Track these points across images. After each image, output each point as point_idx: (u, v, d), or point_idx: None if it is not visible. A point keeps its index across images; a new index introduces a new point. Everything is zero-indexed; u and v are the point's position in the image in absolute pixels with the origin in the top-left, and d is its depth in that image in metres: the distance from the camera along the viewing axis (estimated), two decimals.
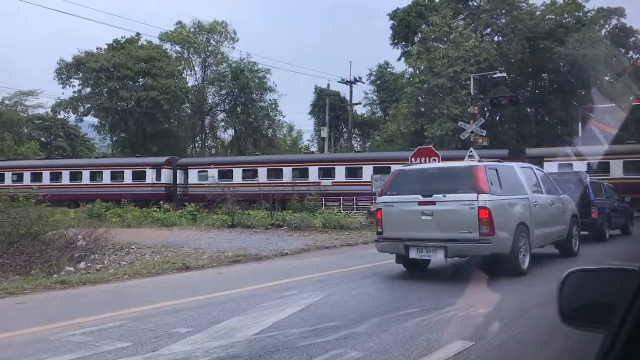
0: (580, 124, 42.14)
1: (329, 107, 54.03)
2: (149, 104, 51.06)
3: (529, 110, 53.61)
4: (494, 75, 32.46)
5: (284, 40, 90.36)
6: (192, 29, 56.42)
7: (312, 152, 51.54)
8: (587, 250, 12.04)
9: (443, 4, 49.12)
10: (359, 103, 54.11)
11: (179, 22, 56.69)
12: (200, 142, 58.82)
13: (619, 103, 44.58)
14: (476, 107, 47.23)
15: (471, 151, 25.84)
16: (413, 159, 20.74)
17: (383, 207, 8.42)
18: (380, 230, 8.49)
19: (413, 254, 8.06)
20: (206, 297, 6.93)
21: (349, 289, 7.33)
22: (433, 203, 7.94)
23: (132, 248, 13.87)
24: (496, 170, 8.32)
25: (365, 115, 65.61)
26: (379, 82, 60.38)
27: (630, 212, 16.81)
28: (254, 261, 11.61)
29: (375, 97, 62.75)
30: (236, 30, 56.47)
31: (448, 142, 44.84)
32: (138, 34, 54.82)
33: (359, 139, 67.71)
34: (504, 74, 31.95)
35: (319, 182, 32.46)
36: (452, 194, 7.84)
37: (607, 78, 51.53)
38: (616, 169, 26.95)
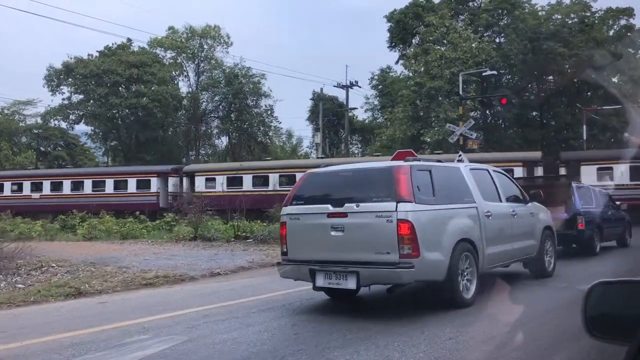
0: (585, 127, 40.05)
1: (323, 112, 52.39)
2: (140, 111, 49.76)
3: (533, 114, 51.72)
4: (484, 74, 30.47)
5: (280, 45, 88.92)
6: (184, 34, 55.11)
7: (308, 158, 49.90)
8: (568, 267, 10.20)
9: (442, 4, 47.42)
10: (356, 108, 52.31)
11: (171, 28, 55.45)
12: (194, 150, 57.39)
13: (627, 104, 42.54)
14: (472, 111, 45.53)
15: (460, 155, 23.99)
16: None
17: (287, 221, 6.63)
18: (285, 249, 6.71)
19: (320, 281, 6.27)
20: (18, 346, 5.18)
21: (224, 330, 5.57)
22: (344, 215, 6.16)
23: (53, 266, 12.21)
24: (429, 172, 6.52)
25: (367, 121, 63.93)
26: (380, 86, 58.64)
27: (627, 222, 14.85)
28: (173, 284, 9.95)
29: (377, 102, 61.03)
30: (230, 34, 54.70)
31: (447, 146, 42.98)
32: (129, 40, 53.55)
33: (359, 145, 66.03)
34: (494, 72, 30.00)
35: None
36: (366, 202, 6.06)
37: (614, 80, 49.54)
38: None
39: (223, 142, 56.39)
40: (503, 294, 7.26)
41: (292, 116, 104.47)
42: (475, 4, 49.67)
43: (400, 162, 6.56)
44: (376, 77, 58.40)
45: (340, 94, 53.80)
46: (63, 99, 51.42)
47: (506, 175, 8.68)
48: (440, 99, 41.23)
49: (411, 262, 5.75)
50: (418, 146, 43.38)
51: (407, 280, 5.83)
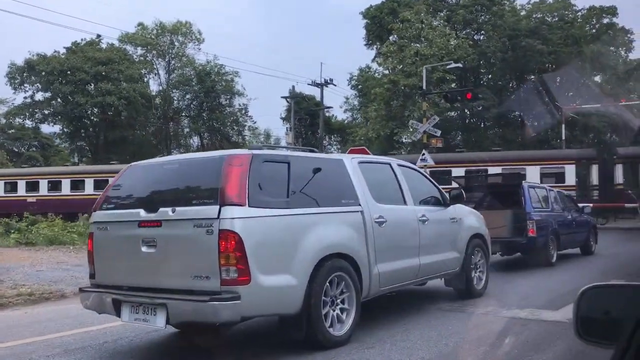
0: (563, 126, 38.69)
1: (299, 111, 50.87)
2: (108, 110, 47.91)
3: (516, 114, 50.47)
4: (448, 66, 28.89)
5: (255, 43, 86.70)
6: (154, 31, 53.19)
7: None
8: (509, 283, 8.58)
9: (419, 0, 45.97)
10: (331, 107, 50.62)
11: (140, 24, 53.50)
12: (166, 150, 55.48)
13: (605, 104, 41.37)
14: (449, 110, 44.08)
15: (424, 154, 22.44)
16: None
17: (95, 232, 4.93)
18: (92, 271, 4.99)
19: (126, 316, 4.55)
20: None
21: None
22: (158, 224, 4.46)
23: None
24: (287, 164, 4.83)
25: (346, 121, 62.38)
26: (360, 86, 57.07)
27: (592, 226, 13.27)
28: (36, 303, 8.29)
29: (356, 103, 59.49)
30: (202, 31, 52.82)
31: (422, 146, 41.52)
32: (99, 36, 51.55)
33: (338, 145, 64.42)
34: (459, 64, 28.48)
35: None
36: (184, 206, 4.36)
37: (597, 79, 48.38)
38: None
39: (195, 142, 54.51)
40: (396, 325, 5.59)
41: (269, 116, 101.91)
42: (454, 1, 48.27)
43: (240, 151, 4.86)
44: (355, 76, 56.88)
45: (318, 93, 52.17)
46: (25, 98, 49.37)
47: (421, 173, 7.03)
48: (416, 97, 39.66)
49: (236, 291, 4.06)
50: (392, 146, 42.01)
51: (229, 318, 4.12)
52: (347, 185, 5.38)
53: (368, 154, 17.82)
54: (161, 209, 4.45)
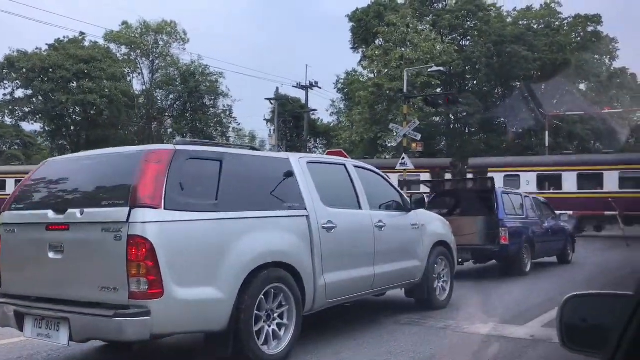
0: (547, 133, 38.57)
1: (284, 113, 50.48)
2: (90, 108, 47.09)
3: (500, 120, 50.42)
4: (430, 70, 28.54)
5: (242, 44, 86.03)
6: (138, 29, 52.50)
7: None
8: (479, 293, 8.14)
9: (405, 4, 45.73)
10: (316, 110, 50.22)
11: (125, 22, 52.77)
12: None
13: (590, 111, 41.41)
14: (434, 115, 43.86)
15: (404, 158, 22.07)
16: None
17: (3, 235, 4.40)
18: None
19: (29, 331, 4.04)
20: None
21: None
22: (65, 227, 3.95)
23: None
24: (219, 162, 4.34)
25: (332, 124, 62.01)
26: (346, 90, 56.72)
27: (569, 234, 12.90)
28: None
29: (342, 106, 59.15)
30: (187, 30, 52.21)
31: (402, 150, 41.23)
32: (82, 34, 50.72)
33: (324, 148, 64.00)
34: (441, 69, 28.16)
35: None
36: (94, 207, 3.86)
37: (581, 87, 48.46)
38: None
39: None
40: (345, 340, 5.13)
41: (255, 117, 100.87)
42: (440, 6, 48.10)
43: (162, 146, 4.37)
44: (342, 80, 56.54)
45: (304, 96, 51.73)
46: (5, 95, 48.42)
47: (381, 176, 6.55)
48: (400, 102, 39.34)
49: (145, 306, 3.57)
50: (376, 150, 41.66)
51: (136, 336, 3.62)
52: (291, 187, 4.90)
53: (345, 157, 17.42)
54: (69, 211, 3.95)
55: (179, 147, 4.16)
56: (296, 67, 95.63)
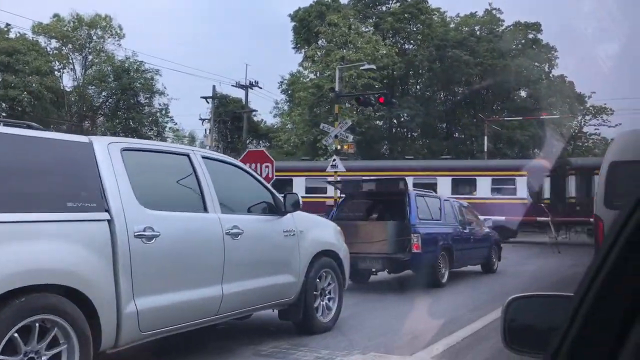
0: (486, 138, 38.53)
1: (224, 114, 48.93)
2: (11, 104, 44.10)
3: (443, 125, 50.49)
4: (361, 67, 27.73)
5: (184, 44, 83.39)
6: (70, 23, 49.83)
7: None
8: (375, 311, 7.04)
9: (348, 5, 45.03)
10: (256, 110, 48.87)
11: (56, 15, 50.01)
12: None
13: (527, 116, 41.77)
14: (376, 119, 43.32)
15: (334, 160, 21.01)
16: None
17: None
18: None
19: None
20: None
21: None
22: None
23: None
24: None
25: (276, 126, 60.73)
26: (290, 91, 55.55)
27: (494, 241, 12.07)
28: None
29: (286, 108, 57.94)
30: (122, 25, 49.90)
31: (348, 153, 40.40)
32: (8, 25, 47.67)
33: (263, 148, 62.54)
34: (373, 66, 27.40)
35: None
36: None
37: (522, 94, 48.97)
38: None
39: None
40: None
41: (195, 117, 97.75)
42: (384, 8, 47.64)
43: None
44: (286, 81, 55.34)
45: (245, 95, 50.15)
46: None
47: (245, 170, 5.32)
48: (342, 105, 38.44)
49: None
50: (316, 153, 40.62)
51: None
52: (89, 181, 3.62)
53: (268, 157, 16.23)
54: None
55: None
56: (240, 67, 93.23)
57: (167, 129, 52.27)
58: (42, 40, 49.26)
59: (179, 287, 4.07)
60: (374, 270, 9.49)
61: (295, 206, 5.28)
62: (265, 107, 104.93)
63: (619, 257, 0.68)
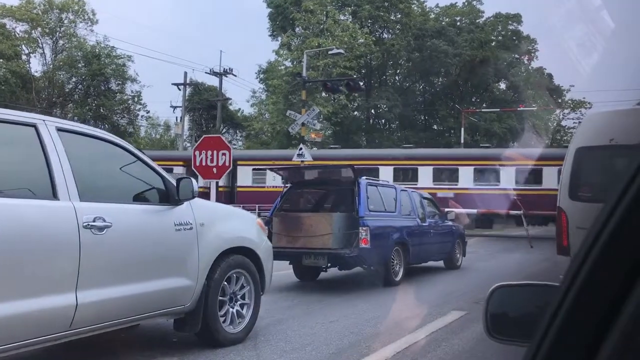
0: (463, 129, 37.85)
1: (199, 102, 47.79)
2: None
3: (422, 117, 49.82)
4: (330, 52, 26.75)
5: (160, 30, 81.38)
6: (40, 5, 48.09)
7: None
8: (306, 315, 6.15)
9: None
10: (230, 99, 47.74)
11: None
12: None
13: (504, 108, 41.23)
14: (352, 106, 42.40)
15: (301, 149, 20.08)
16: (197, 153, 14.92)
17: None
18: None
19: None
20: None
21: None
22: None
23: None
24: None
25: (255, 115, 59.57)
26: (270, 82, 54.33)
27: (457, 235, 11.25)
28: None
29: (264, 97, 56.75)
30: (96, 10, 48.30)
31: (322, 142, 39.50)
32: None
33: (243, 140, 61.46)
34: (341, 51, 26.42)
35: None
36: None
37: (502, 86, 48.43)
38: None
39: None
40: None
41: (168, 105, 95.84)
42: None
43: None
44: (264, 69, 54.12)
45: (226, 85, 48.84)
46: None
47: (125, 148, 4.27)
48: (316, 94, 37.51)
49: None
50: (291, 142, 39.59)
51: None
52: None
53: (224, 144, 15.22)
54: None
55: None
56: (217, 56, 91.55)
57: (139, 116, 50.93)
58: (8, 23, 47.51)
59: (8, 296, 3.11)
60: (323, 267, 8.60)
61: (188, 193, 4.32)
62: (244, 96, 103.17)
63: (606, 243, 0.68)
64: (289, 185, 8.89)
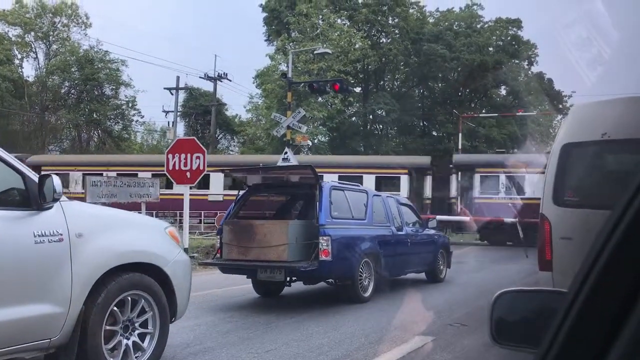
0: (460, 135, 36.90)
1: (194, 107, 47.09)
2: None
3: (421, 123, 48.89)
4: (316, 52, 25.83)
5: (156, 36, 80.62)
6: (33, 9, 47.52)
7: None
8: (230, 347, 5.19)
9: None
10: (225, 104, 46.95)
11: (19, 1, 47.60)
12: (41, 143, 49.53)
13: (503, 113, 40.33)
14: (349, 109, 41.51)
15: (286, 153, 19.17)
16: (170, 156, 14.12)
17: None
18: None
19: None
20: None
21: None
22: None
23: None
24: None
25: (252, 121, 58.75)
26: (264, 86, 53.53)
27: (441, 244, 10.25)
28: None
29: (260, 102, 55.93)
30: (89, 14, 47.71)
31: (317, 148, 38.61)
32: None
33: (239, 146, 60.65)
34: (328, 50, 25.50)
35: None
36: None
37: (502, 91, 47.52)
38: None
39: (74, 135, 49.12)
40: None
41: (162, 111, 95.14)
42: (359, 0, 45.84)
43: None
44: (259, 74, 53.33)
45: (220, 90, 48.06)
46: None
47: None
48: (315, 97, 36.63)
49: None
50: (284, 147, 38.68)
51: None
52: None
53: (199, 147, 14.30)
54: None
55: None
56: (213, 61, 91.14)
57: (134, 122, 50.17)
58: (0, 27, 47.01)
59: None
60: (287, 281, 7.63)
61: (50, 195, 3.36)
62: (241, 102, 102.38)
63: (614, 252, 0.67)
64: (245, 189, 7.92)
